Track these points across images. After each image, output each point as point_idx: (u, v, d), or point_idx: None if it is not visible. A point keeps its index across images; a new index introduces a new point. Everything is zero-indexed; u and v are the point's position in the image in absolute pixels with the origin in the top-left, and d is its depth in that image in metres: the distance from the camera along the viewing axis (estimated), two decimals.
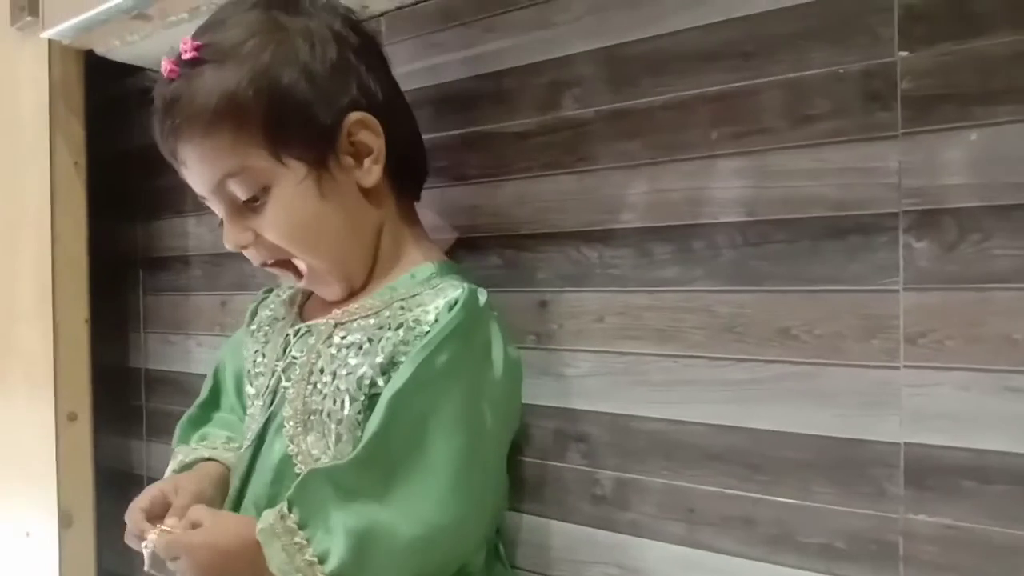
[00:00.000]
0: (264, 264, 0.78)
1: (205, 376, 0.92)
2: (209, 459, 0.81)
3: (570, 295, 0.79)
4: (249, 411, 0.80)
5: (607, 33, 0.75)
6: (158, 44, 1.06)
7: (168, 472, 0.81)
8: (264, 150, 0.70)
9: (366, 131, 0.73)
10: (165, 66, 0.71)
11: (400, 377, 0.67)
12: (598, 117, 0.76)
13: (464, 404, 0.69)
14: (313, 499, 0.66)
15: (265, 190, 0.71)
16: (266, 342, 0.81)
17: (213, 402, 0.89)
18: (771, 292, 0.67)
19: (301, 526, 0.65)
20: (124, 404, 1.28)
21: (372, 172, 0.74)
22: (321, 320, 0.76)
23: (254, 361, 0.81)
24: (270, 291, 0.90)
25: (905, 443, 0.60)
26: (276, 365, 0.77)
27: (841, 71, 0.63)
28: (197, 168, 0.73)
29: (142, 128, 1.27)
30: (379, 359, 0.70)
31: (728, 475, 0.69)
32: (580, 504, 0.78)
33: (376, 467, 0.66)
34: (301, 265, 0.76)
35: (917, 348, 0.60)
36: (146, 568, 0.69)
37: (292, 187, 0.71)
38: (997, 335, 0.57)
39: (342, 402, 0.70)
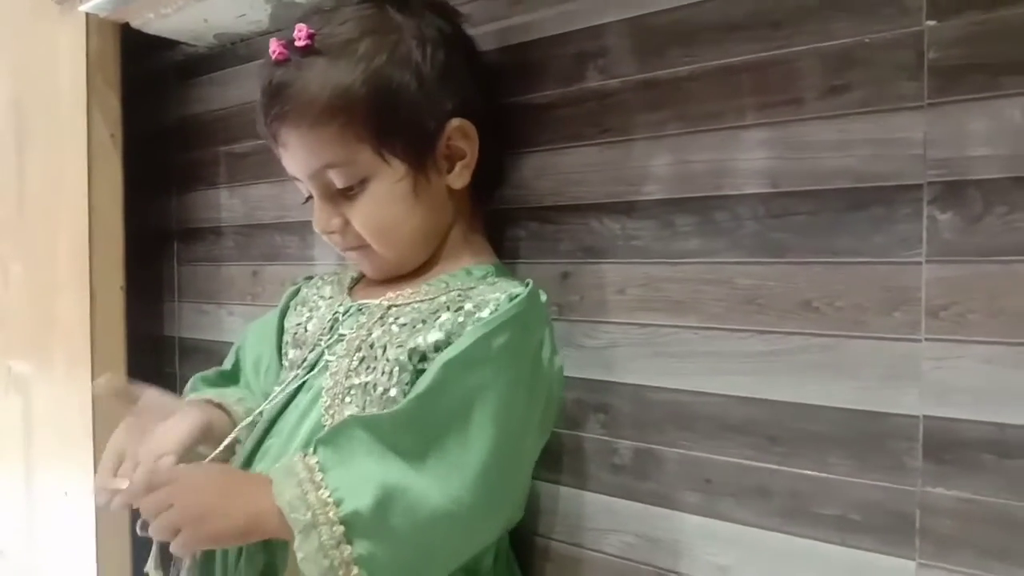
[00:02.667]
0: (343, 249, 0.79)
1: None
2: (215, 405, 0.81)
3: (592, 267, 0.79)
4: (280, 378, 0.82)
5: (633, 3, 0.75)
6: (191, 17, 1.08)
7: None
8: (369, 146, 0.72)
9: (463, 137, 0.76)
10: (274, 48, 0.72)
11: (457, 347, 0.66)
12: (623, 88, 0.76)
13: (511, 391, 0.67)
14: (344, 443, 0.64)
15: (363, 182, 0.74)
16: (310, 317, 0.83)
17: (232, 376, 0.90)
18: (793, 264, 0.66)
19: (323, 468, 0.63)
20: (158, 372, 1.31)
21: (462, 176, 0.77)
22: (374, 301, 0.77)
23: (294, 333, 0.83)
24: (309, 278, 0.91)
25: (924, 416, 0.60)
26: (320, 339, 0.78)
27: (868, 41, 0.62)
28: (299, 154, 0.74)
29: (177, 101, 1.29)
30: (435, 336, 0.70)
31: (746, 446, 0.69)
32: (599, 473, 0.79)
33: (416, 428, 0.65)
34: (371, 251, 0.78)
35: (939, 321, 0.59)
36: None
37: (390, 184, 0.74)
38: (1021, 309, 0.56)
39: (390, 373, 0.70)
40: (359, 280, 0.85)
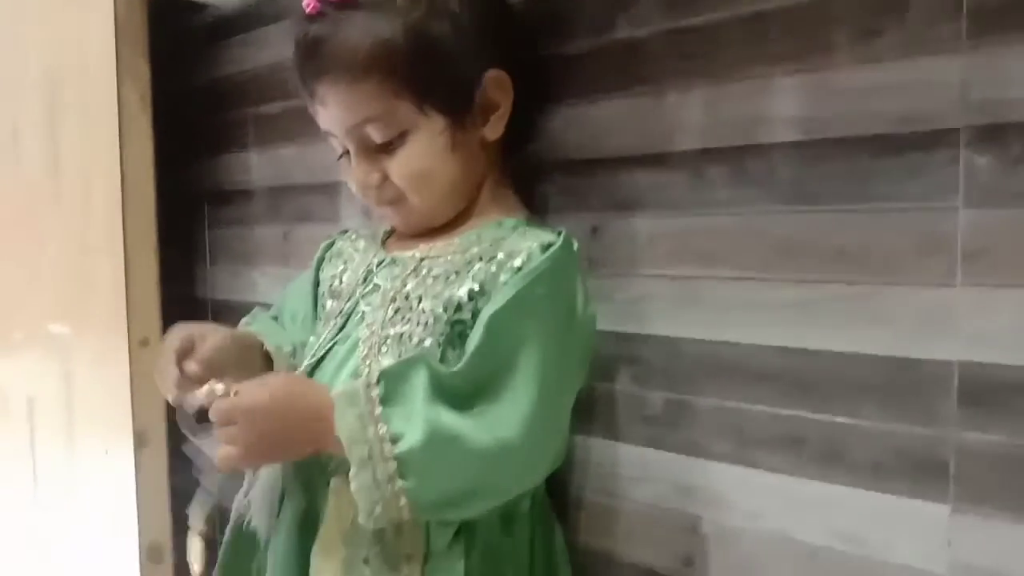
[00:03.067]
0: (379, 204, 0.80)
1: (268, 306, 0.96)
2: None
3: (623, 220, 0.79)
4: (317, 329, 0.83)
5: None
6: None
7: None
8: (409, 100, 0.73)
9: (498, 88, 0.76)
10: (308, 1, 0.73)
11: (500, 299, 0.68)
12: (653, 38, 0.75)
13: (553, 339, 0.70)
14: (405, 382, 0.66)
15: (402, 135, 0.74)
16: (345, 268, 0.84)
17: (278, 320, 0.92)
18: (827, 212, 0.66)
19: (383, 401, 0.65)
20: None
21: (496, 128, 0.77)
22: (407, 253, 0.79)
23: (330, 285, 0.84)
24: (345, 232, 0.92)
25: (959, 362, 0.60)
26: (356, 290, 0.80)
27: None
28: (337, 110, 0.75)
29: (206, 64, 1.30)
30: (469, 286, 0.71)
31: (779, 395, 0.69)
32: (631, 425, 0.80)
33: (469, 379, 0.67)
34: (406, 204, 0.78)
35: (975, 266, 0.59)
36: (185, 427, 0.71)
37: (429, 137, 0.74)
38: None
39: (426, 323, 0.72)
40: (391, 234, 0.86)
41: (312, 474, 0.75)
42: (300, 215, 1.16)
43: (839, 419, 0.66)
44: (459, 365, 0.67)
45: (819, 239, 0.66)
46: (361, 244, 0.86)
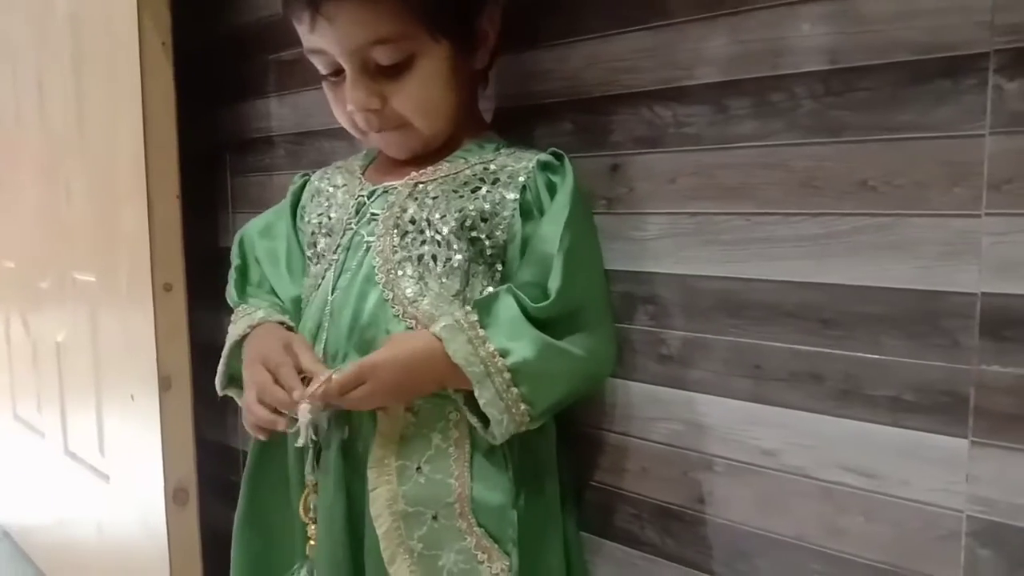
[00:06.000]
0: (376, 130, 0.80)
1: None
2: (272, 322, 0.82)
3: (643, 157, 0.78)
4: (313, 269, 0.84)
5: None
6: None
7: (240, 330, 0.82)
8: (423, 24, 0.74)
9: (492, 21, 0.80)
10: None
11: (565, 237, 0.72)
12: None
13: (600, 255, 0.80)
14: (497, 308, 0.72)
15: (409, 60, 0.75)
16: (330, 206, 0.84)
17: (244, 270, 0.90)
18: (851, 143, 0.65)
19: (484, 325, 0.71)
20: (216, 280, 1.34)
21: (484, 58, 0.82)
22: (398, 181, 0.80)
23: (319, 223, 0.84)
24: (306, 175, 0.93)
25: (983, 293, 0.59)
26: (350, 223, 0.81)
27: None
28: (346, 28, 0.74)
29: (227, 9, 1.29)
30: (480, 206, 0.76)
31: (798, 331, 0.69)
32: (647, 363, 0.79)
33: (558, 314, 0.73)
34: (409, 129, 0.79)
35: (1001, 194, 0.57)
36: (300, 442, 0.71)
37: (436, 62, 0.76)
38: None
39: (447, 244, 0.75)
40: (368, 166, 0.87)
41: None
42: (320, 161, 1.16)
43: (858, 354, 0.65)
44: (548, 302, 0.72)
45: (842, 171, 0.65)
46: (339, 179, 0.87)
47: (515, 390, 0.70)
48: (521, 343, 0.71)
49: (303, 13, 0.74)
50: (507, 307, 0.72)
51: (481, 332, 0.71)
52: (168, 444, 1.25)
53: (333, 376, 0.70)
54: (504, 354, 0.70)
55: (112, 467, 1.43)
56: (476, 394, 0.70)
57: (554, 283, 0.72)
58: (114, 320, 1.35)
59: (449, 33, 0.75)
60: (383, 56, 0.74)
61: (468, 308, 0.72)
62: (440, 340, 0.71)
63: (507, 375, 0.70)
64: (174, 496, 1.26)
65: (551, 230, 0.73)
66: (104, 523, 1.48)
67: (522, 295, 0.72)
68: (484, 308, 0.72)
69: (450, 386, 0.73)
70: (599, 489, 0.85)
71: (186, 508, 1.27)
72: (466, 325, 0.71)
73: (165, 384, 1.23)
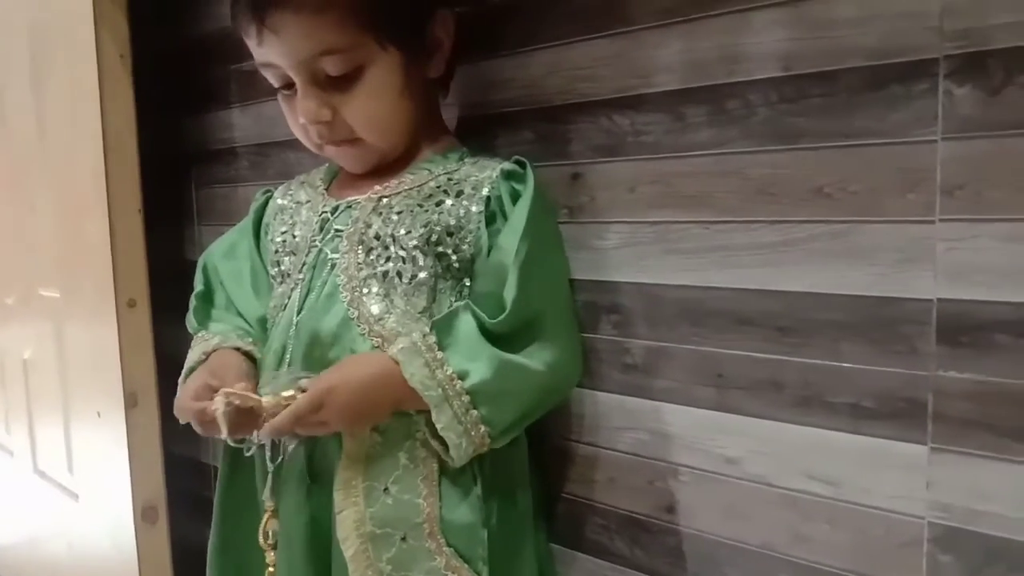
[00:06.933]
0: (328, 143, 0.79)
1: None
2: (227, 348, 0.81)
3: (602, 166, 0.78)
4: (278, 289, 0.82)
5: None
6: None
7: (195, 358, 0.81)
8: (370, 33, 0.73)
9: (445, 28, 0.78)
10: None
11: (521, 247, 0.71)
12: None
13: (563, 264, 0.79)
14: (455, 327, 0.71)
15: (358, 70, 0.74)
16: (294, 223, 0.83)
17: (208, 296, 0.88)
18: (806, 150, 0.64)
19: (442, 347, 0.70)
20: (182, 294, 1.33)
21: (439, 66, 0.80)
22: (361, 197, 0.79)
23: (283, 242, 0.83)
24: (268, 191, 0.91)
25: (938, 299, 0.59)
26: (314, 240, 0.79)
27: None
28: (293, 40, 0.73)
29: (186, 20, 1.27)
30: (446, 220, 0.75)
31: (758, 339, 0.68)
32: (611, 373, 0.79)
33: (515, 327, 0.71)
34: (362, 143, 0.78)
35: (954, 200, 0.57)
36: (224, 435, 0.69)
37: (385, 72, 0.75)
38: None
39: (412, 260, 0.74)
40: (331, 180, 0.86)
41: None
42: (285, 172, 1.15)
43: (816, 361, 0.65)
44: (503, 315, 0.70)
45: (797, 178, 0.65)
46: (302, 196, 0.85)
47: (474, 412, 0.69)
48: (478, 363, 0.70)
49: (249, 27, 0.74)
50: (466, 325, 0.71)
51: (439, 354, 0.70)
52: (136, 462, 1.23)
53: (285, 395, 0.68)
54: (462, 376, 0.69)
55: (81, 485, 1.41)
56: (433, 418, 0.69)
57: (509, 294, 0.71)
58: (80, 337, 1.33)
59: (398, 42, 0.74)
60: (331, 67, 0.73)
61: (426, 329, 0.71)
62: (397, 363, 0.69)
63: (465, 398, 0.69)
64: (143, 514, 1.25)
65: (508, 240, 0.72)
66: (74, 542, 1.45)
67: (478, 310, 0.72)
68: (443, 328, 0.71)
69: (409, 408, 0.72)
70: (569, 500, 0.84)
71: (156, 526, 1.25)
72: (423, 347, 0.70)
73: (131, 401, 1.21)
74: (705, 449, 0.73)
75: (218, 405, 0.68)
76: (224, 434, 0.69)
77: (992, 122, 0.55)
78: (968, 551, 0.59)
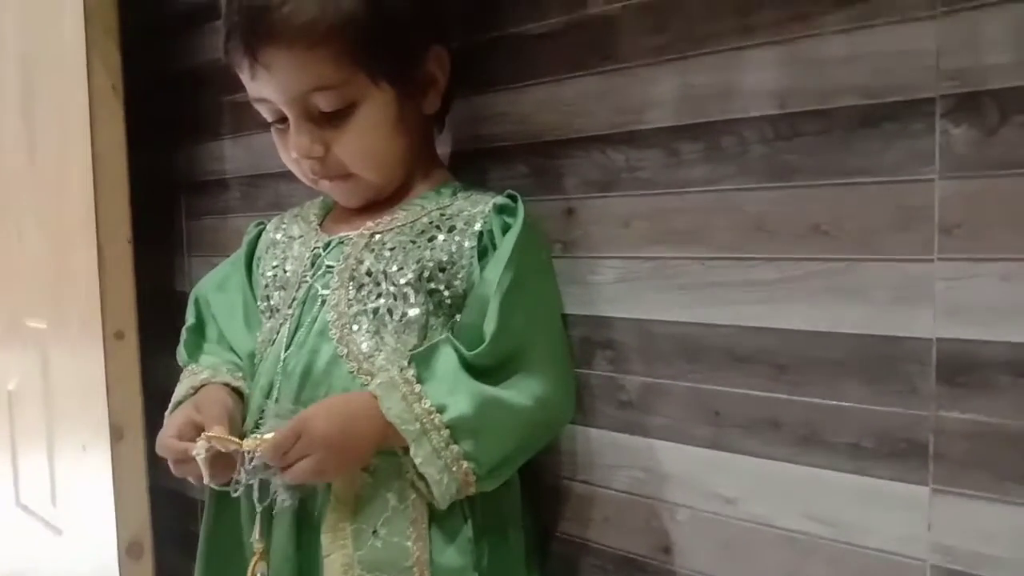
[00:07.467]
0: (322, 178, 0.78)
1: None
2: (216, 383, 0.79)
3: (596, 201, 0.77)
4: (267, 324, 0.81)
5: None
6: None
7: (182, 392, 0.79)
8: (363, 69, 0.72)
9: (439, 64, 0.78)
10: None
11: (504, 278, 0.70)
12: (625, 12, 0.73)
13: (553, 297, 0.78)
14: (435, 361, 0.70)
15: (351, 106, 0.74)
16: (286, 258, 0.82)
17: (199, 329, 0.87)
18: (802, 187, 0.64)
19: (420, 380, 0.69)
20: (171, 325, 1.31)
21: (434, 103, 0.79)
22: (353, 232, 0.78)
23: (274, 276, 0.82)
24: (261, 224, 0.91)
25: (938, 338, 0.58)
26: (305, 276, 0.78)
27: None
28: (284, 75, 0.72)
29: (179, 51, 1.27)
30: (438, 257, 0.74)
31: (755, 376, 0.67)
32: (606, 409, 0.78)
33: (498, 359, 0.70)
34: (356, 178, 0.78)
35: (952, 239, 0.57)
36: (206, 480, 0.68)
37: (378, 108, 0.75)
38: None
39: (404, 297, 0.73)
40: (326, 215, 0.85)
41: None
42: (276, 204, 1.14)
43: (815, 400, 0.64)
44: (482, 347, 0.69)
45: (794, 215, 0.65)
46: (295, 230, 0.84)
47: (455, 447, 0.68)
48: (458, 396, 0.68)
49: (242, 62, 0.73)
50: (446, 358, 0.70)
51: (417, 388, 0.68)
52: (121, 497, 1.21)
53: (266, 437, 0.67)
54: (441, 410, 0.68)
55: (64, 520, 1.38)
56: (412, 453, 0.67)
57: (489, 326, 0.70)
58: (66, 368, 1.31)
59: (391, 78, 0.74)
60: (324, 103, 0.73)
61: (406, 363, 0.70)
62: (376, 397, 0.68)
63: (445, 432, 0.68)
64: (128, 549, 1.22)
65: (491, 272, 0.72)
66: None
67: (458, 343, 0.70)
68: (422, 361, 0.70)
69: (393, 444, 0.70)
70: (563, 540, 0.83)
71: (140, 562, 1.23)
72: (401, 381, 0.69)
73: (117, 434, 1.19)
74: (702, 488, 0.72)
75: (199, 451, 0.67)
76: (205, 479, 0.68)
77: (989, 162, 0.55)
78: None
